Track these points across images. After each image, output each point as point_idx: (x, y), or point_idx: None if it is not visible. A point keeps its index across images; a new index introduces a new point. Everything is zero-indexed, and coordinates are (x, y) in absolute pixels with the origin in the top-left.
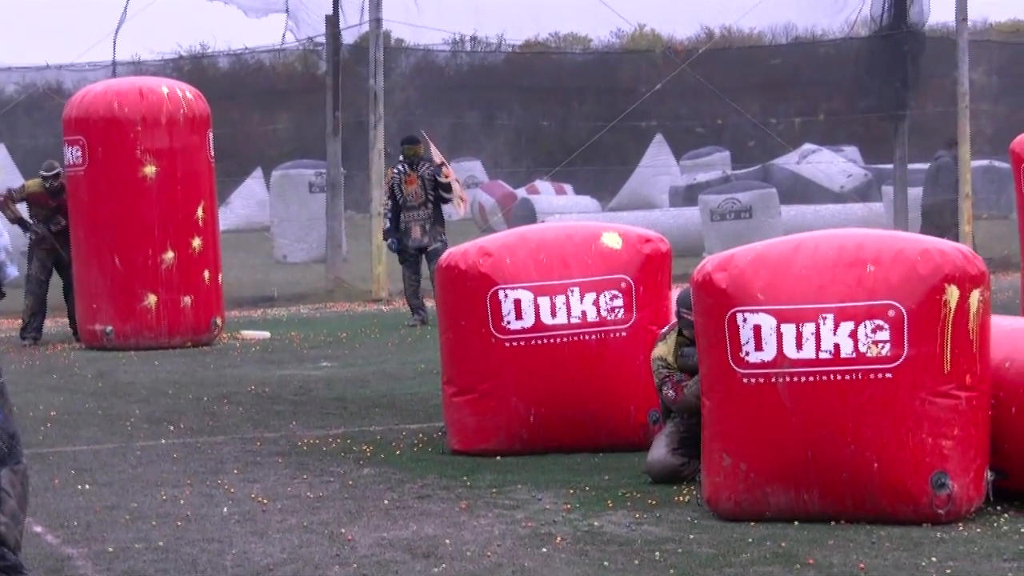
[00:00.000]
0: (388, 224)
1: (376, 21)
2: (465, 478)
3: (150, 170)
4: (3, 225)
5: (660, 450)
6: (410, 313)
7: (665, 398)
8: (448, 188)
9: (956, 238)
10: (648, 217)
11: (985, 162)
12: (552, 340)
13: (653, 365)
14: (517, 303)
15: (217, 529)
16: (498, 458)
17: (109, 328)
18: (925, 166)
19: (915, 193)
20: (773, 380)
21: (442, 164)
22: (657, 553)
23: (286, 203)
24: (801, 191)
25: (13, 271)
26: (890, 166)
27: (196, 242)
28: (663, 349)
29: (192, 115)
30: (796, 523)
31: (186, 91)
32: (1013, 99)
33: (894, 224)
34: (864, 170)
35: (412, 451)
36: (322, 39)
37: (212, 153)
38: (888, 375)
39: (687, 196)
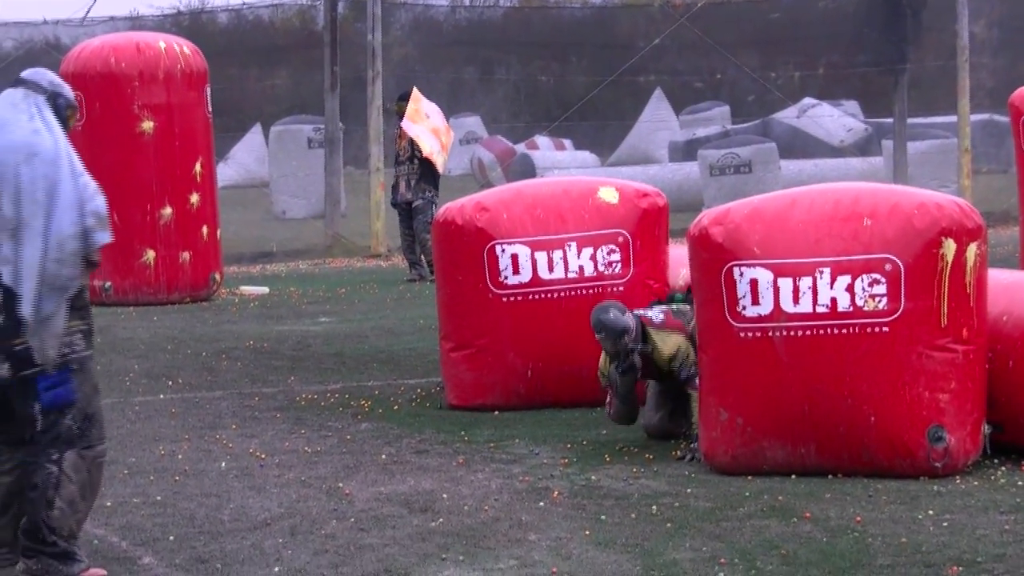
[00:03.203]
0: (395, 179)
1: None
2: (463, 433)
3: (147, 126)
4: (95, 187)
5: (653, 417)
6: (408, 269)
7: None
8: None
9: None
10: (647, 172)
11: (985, 116)
12: (549, 295)
13: (599, 374)
14: (514, 258)
15: (215, 484)
16: (495, 413)
17: (108, 284)
18: (925, 120)
19: (914, 147)
20: (770, 334)
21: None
22: (654, 507)
23: (285, 159)
24: (800, 146)
25: (105, 237)
26: (890, 120)
27: (194, 198)
28: (602, 360)
29: (189, 71)
30: (793, 477)
31: (183, 46)
32: (1013, 52)
33: (893, 178)
34: (864, 124)
35: (410, 406)
36: None
37: (210, 109)
38: (885, 329)
39: (686, 151)
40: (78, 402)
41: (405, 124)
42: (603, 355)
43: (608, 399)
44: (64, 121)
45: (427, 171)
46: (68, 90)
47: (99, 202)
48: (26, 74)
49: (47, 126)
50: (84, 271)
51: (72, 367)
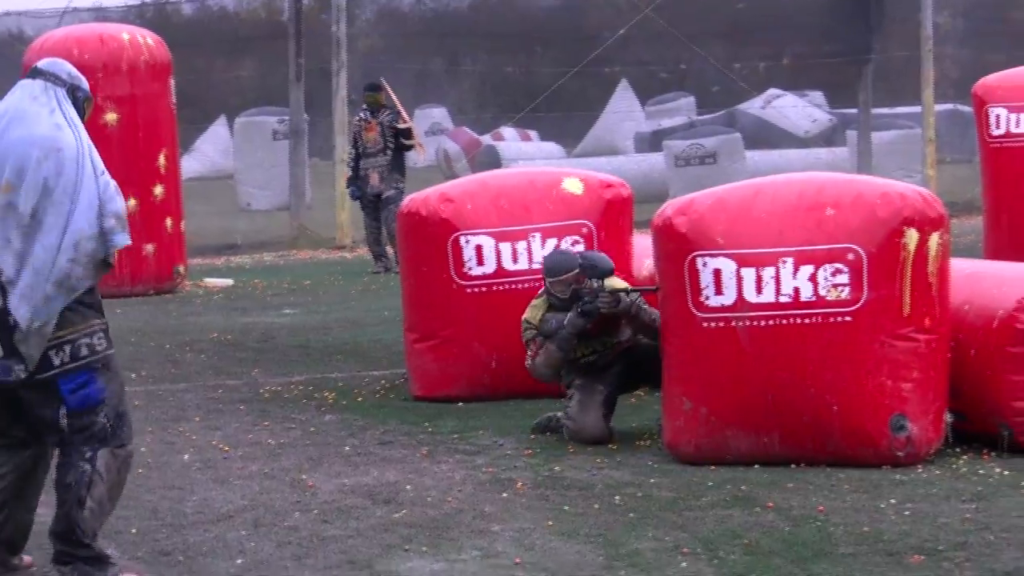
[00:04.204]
0: (351, 172)
1: None
2: (427, 424)
3: (111, 117)
4: (116, 186)
5: (594, 421)
6: (373, 261)
7: (527, 362)
8: (408, 134)
9: None
10: (613, 163)
11: (949, 106)
12: (514, 286)
13: (522, 326)
14: (478, 249)
15: (178, 476)
16: (460, 404)
17: None
18: (890, 110)
19: (879, 137)
20: (733, 324)
21: (398, 111)
22: (617, 497)
23: (250, 150)
24: (766, 136)
25: (124, 239)
26: (855, 110)
27: (158, 190)
28: (531, 312)
29: (153, 62)
30: (756, 466)
31: (147, 37)
32: (977, 43)
33: (858, 169)
34: (829, 115)
35: (374, 398)
36: None
37: (174, 100)
38: (848, 318)
39: (652, 142)
40: (109, 400)
41: (404, 114)
42: (532, 307)
43: (532, 351)
44: (82, 115)
45: (398, 162)
46: (85, 82)
47: (119, 203)
48: (43, 64)
49: (69, 121)
50: (98, 272)
51: (96, 366)
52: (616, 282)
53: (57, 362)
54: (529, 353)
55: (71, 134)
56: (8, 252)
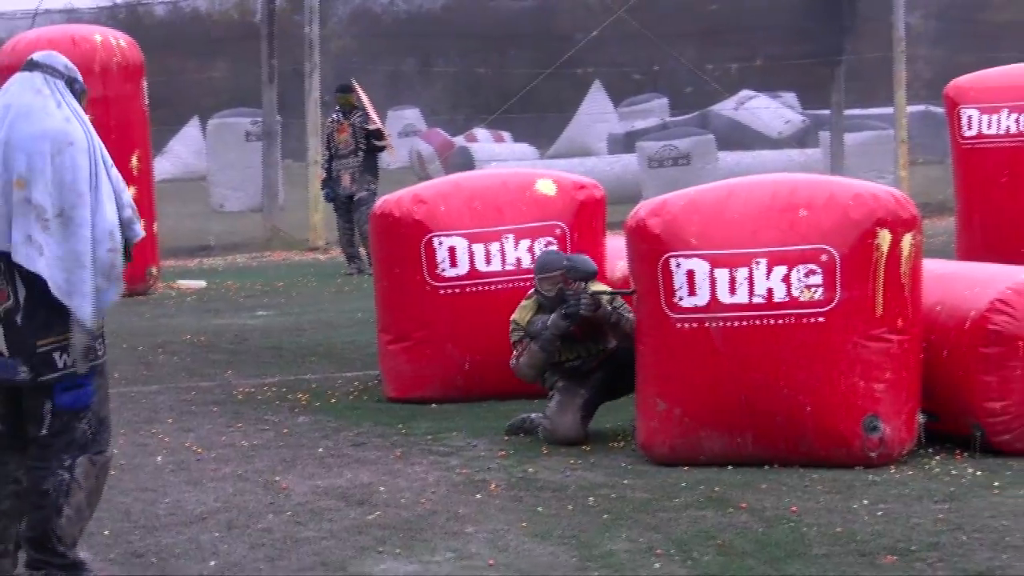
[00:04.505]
0: (325, 174)
1: None
2: (400, 426)
3: None
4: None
5: (569, 421)
6: (346, 262)
7: (511, 362)
8: (378, 135)
9: None
10: (586, 164)
11: (921, 107)
12: (487, 287)
13: (510, 326)
14: (452, 250)
15: (151, 478)
16: (433, 405)
17: None
18: (862, 111)
19: (852, 138)
20: (707, 325)
21: (366, 112)
22: (591, 498)
23: (223, 152)
24: (739, 137)
25: (140, 230)
26: (827, 112)
27: (131, 192)
28: (520, 313)
29: (126, 63)
30: (730, 467)
31: (120, 39)
32: (950, 44)
33: (831, 170)
34: (801, 116)
35: (348, 399)
36: None
37: (147, 102)
38: (821, 319)
39: (625, 143)
40: (93, 406)
41: (373, 115)
42: (521, 308)
43: (517, 352)
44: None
45: (370, 164)
46: (80, 74)
47: (129, 195)
48: (39, 57)
49: (74, 113)
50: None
51: (93, 371)
52: (600, 286)
53: (61, 364)
54: (515, 353)
55: (80, 127)
56: (32, 248)
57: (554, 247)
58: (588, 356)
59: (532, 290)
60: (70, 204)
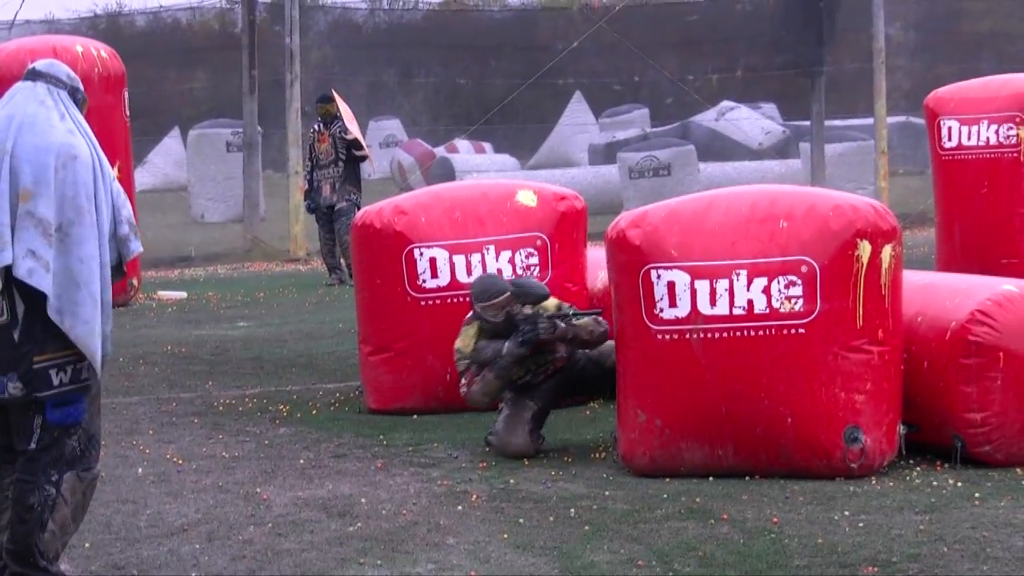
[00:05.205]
0: (307, 185)
1: None
2: (381, 437)
3: None
4: (124, 195)
5: (521, 437)
6: (327, 273)
7: (462, 390)
8: (357, 145)
9: None
10: (567, 175)
11: (902, 118)
12: (467, 298)
13: (455, 356)
14: (432, 261)
15: (131, 490)
16: (415, 417)
17: None
18: (842, 122)
19: (832, 149)
20: (687, 336)
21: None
22: (572, 510)
23: (203, 163)
24: (719, 148)
25: (138, 246)
26: (807, 123)
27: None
28: (463, 341)
29: (107, 74)
30: (711, 479)
31: (101, 50)
32: (929, 55)
33: (811, 181)
34: (782, 127)
35: (329, 410)
36: None
37: (128, 112)
38: (801, 330)
39: (606, 154)
40: (84, 423)
41: (351, 126)
42: (462, 335)
43: (467, 380)
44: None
45: (351, 174)
46: (81, 83)
47: (129, 209)
48: (41, 66)
49: (78, 125)
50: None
51: (86, 389)
52: (553, 302)
53: (56, 381)
54: (463, 381)
55: (83, 140)
56: (34, 262)
57: (493, 270)
58: (537, 369)
59: (470, 314)
60: (68, 220)
